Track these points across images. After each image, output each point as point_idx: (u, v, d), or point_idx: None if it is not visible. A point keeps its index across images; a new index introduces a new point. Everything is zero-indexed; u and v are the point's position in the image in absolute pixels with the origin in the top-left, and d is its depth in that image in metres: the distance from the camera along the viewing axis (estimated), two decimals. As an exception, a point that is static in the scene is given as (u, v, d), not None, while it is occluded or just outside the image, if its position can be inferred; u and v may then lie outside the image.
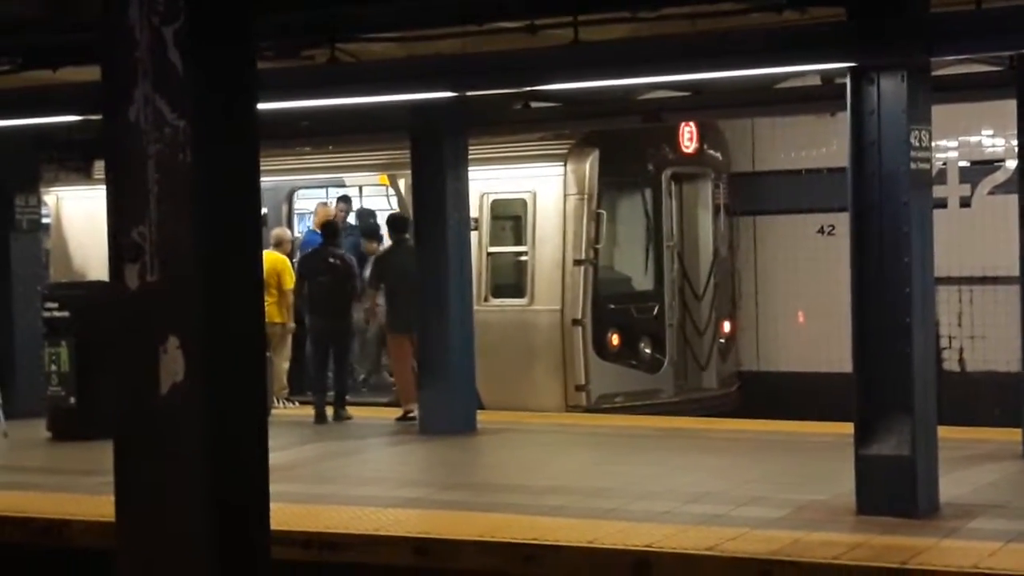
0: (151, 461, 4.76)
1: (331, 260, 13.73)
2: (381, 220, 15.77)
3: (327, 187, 17.10)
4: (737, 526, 8.41)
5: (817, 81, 12.48)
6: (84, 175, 16.74)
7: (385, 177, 15.57)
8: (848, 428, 8.94)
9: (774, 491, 9.46)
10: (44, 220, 16.03)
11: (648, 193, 15.15)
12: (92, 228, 16.04)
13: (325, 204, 16.37)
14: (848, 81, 8.77)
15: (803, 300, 15.44)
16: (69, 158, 16.35)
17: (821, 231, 15.29)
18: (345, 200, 16.67)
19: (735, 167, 15.74)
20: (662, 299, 14.99)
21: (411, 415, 13.22)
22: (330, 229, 14.26)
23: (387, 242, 14.66)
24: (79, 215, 16.72)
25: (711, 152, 15.48)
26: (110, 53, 4.77)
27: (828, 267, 14.68)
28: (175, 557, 4.73)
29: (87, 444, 11.91)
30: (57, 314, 13.01)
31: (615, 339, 14.43)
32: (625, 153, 14.74)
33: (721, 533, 8.22)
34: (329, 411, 13.64)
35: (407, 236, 13.67)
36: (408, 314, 13.17)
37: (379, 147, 15.11)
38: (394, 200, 15.66)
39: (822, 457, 10.77)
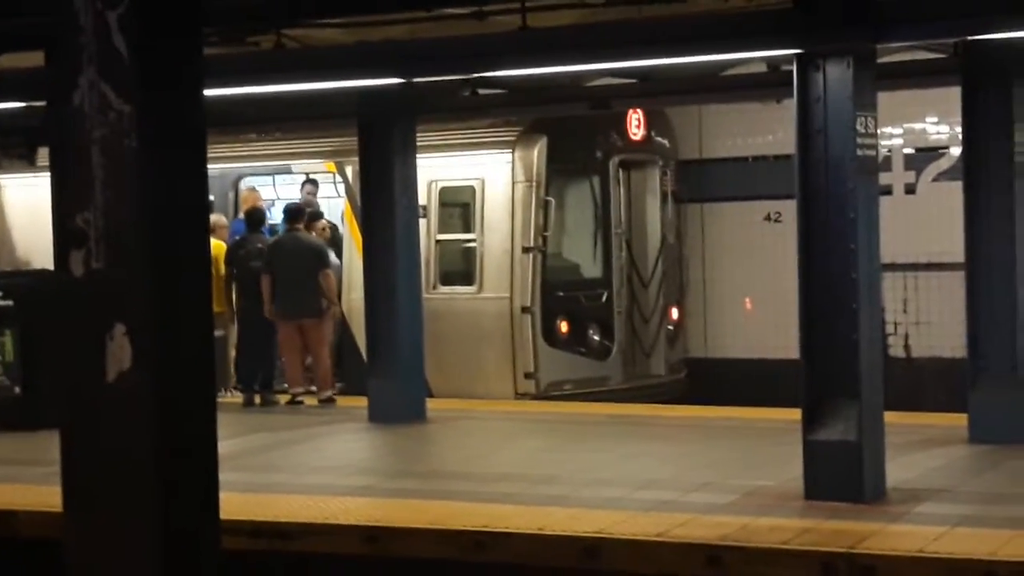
0: (98, 450, 4.71)
1: (260, 247, 13.85)
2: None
3: (274, 174, 16.99)
4: (686, 512, 8.45)
5: (763, 68, 12.53)
6: (27, 162, 16.57)
7: (332, 164, 15.51)
8: (796, 414, 9.00)
9: (722, 477, 9.51)
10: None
11: (596, 180, 15.18)
12: (36, 216, 15.89)
13: (253, 189, 16.18)
14: (794, 68, 8.81)
15: (750, 287, 15.52)
16: (12, 145, 16.17)
17: (768, 218, 15.38)
18: (313, 183, 16.42)
19: (682, 154, 15.79)
20: (610, 286, 15.02)
21: (299, 399, 13.81)
22: (256, 216, 14.37)
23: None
24: (22, 203, 16.55)
25: (658, 139, 15.52)
26: (54, 38, 4.72)
27: (775, 254, 14.77)
28: (122, 547, 4.69)
29: (33, 434, 11.80)
30: (1, 303, 12.88)
31: (564, 326, 14.46)
32: (573, 140, 14.75)
33: (670, 519, 8.25)
34: (258, 398, 13.87)
35: (300, 226, 14.01)
36: (289, 303, 13.60)
37: (326, 134, 15.05)
38: (341, 187, 15.60)
39: (770, 443, 10.84)
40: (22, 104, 11.67)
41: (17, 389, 12.69)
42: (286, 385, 14.08)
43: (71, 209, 4.67)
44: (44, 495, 8.93)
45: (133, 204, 4.61)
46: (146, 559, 4.68)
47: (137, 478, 4.68)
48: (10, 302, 12.82)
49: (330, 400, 13.84)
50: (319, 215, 14.93)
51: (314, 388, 14.06)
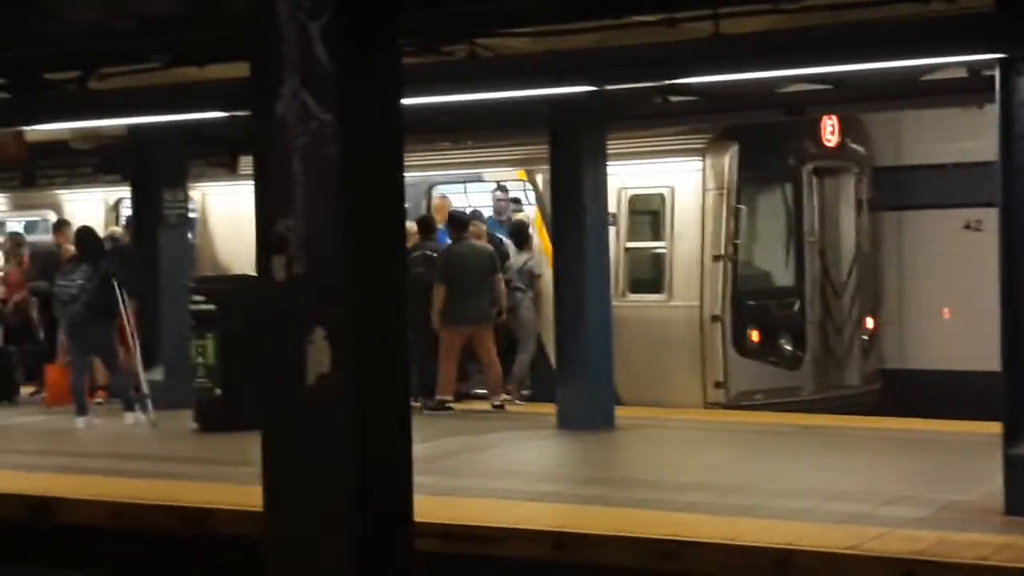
0: (297, 451, 4.83)
1: (425, 253, 13.94)
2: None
3: (465, 182, 17.17)
4: (880, 525, 8.28)
5: (964, 73, 12.22)
6: (229, 170, 17.04)
7: (523, 172, 15.61)
8: (994, 427, 8.75)
9: (917, 490, 9.29)
10: (190, 215, 16.34)
11: (789, 188, 14.99)
12: (236, 222, 16.35)
13: (444, 197, 16.33)
14: (997, 73, 8.57)
15: (948, 297, 15.13)
16: (215, 154, 16.66)
17: (968, 226, 14.97)
18: (503, 190, 16.53)
19: (878, 161, 15.49)
20: (803, 295, 14.82)
21: (447, 404, 13.74)
22: (424, 223, 14.46)
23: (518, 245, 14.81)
24: (224, 210, 17.04)
25: (853, 146, 15.26)
26: (258, 49, 4.85)
27: (975, 263, 14.37)
28: (320, 546, 4.79)
29: (233, 435, 12.14)
30: (203, 307, 13.26)
31: (755, 335, 14.30)
32: (765, 147, 14.59)
33: (863, 532, 8.09)
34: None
35: (467, 234, 14.02)
36: (465, 310, 13.57)
37: (517, 142, 15.16)
38: (531, 195, 15.69)
39: (967, 456, 10.55)
40: (224, 114, 12.00)
41: (218, 391, 13.05)
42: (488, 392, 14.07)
43: (273, 216, 4.79)
44: (244, 494, 9.18)
45: (333, 211, 4.72)
46: (342, 559, 4.78)
47: (334, 478, 4.78)
48: (212, 306, 13.20)
49: (500, 407, 13.83)
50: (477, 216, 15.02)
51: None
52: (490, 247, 14.29)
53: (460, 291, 13.71)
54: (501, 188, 16.13)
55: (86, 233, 14.15)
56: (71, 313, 13.46)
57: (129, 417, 13.57)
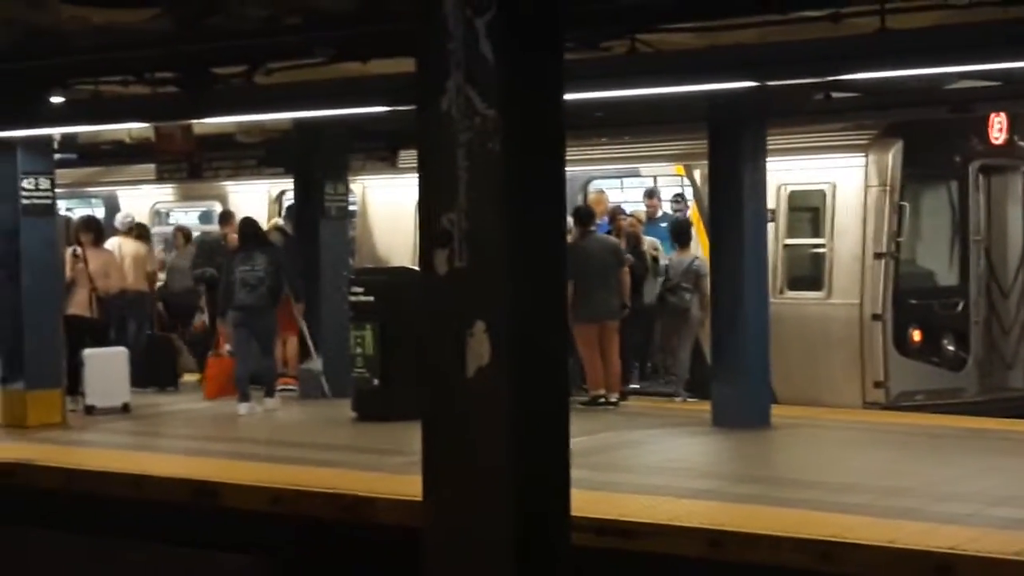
0: (457, 442, 4.88)
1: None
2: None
3: (622, 178, 17.13)
4: (1046, 532, 8.08)
5: None
6: (389, 164, 17.25)
7: (681, 167, 15.54)
8: None
9: (1086, 497, 9.05)
10: (351, 207, 16.59)
11: (954, 186, 14.69)
12: (395, 216, 16.55)
13: (601, 192, 16.27)
14: None
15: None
16: (376, 148, 16.87)
17: None
18: (653, 194, 16.35)
19: (1049, 159, 15.09)
20: (967, 295, 14.51)
21: (600, 400, 13.59)
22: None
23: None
24: (383, 203, 17.25)
25: (1022, 143, 14.88)
26: (424, 45, 4.91)
27: None
28: (479, 536, 4.84)
29: (390, 424, 12.30)
30: (362, 298, 13.46)
31: (916, 335, 14.04)
32: (930, 144, 14.32)
33: (1029, 539, 7.91)
34: None
35: (592, 228, 13.91)
36: (594, 304, 13.45)
37: (674, 137, 15.09)
38: (689, 191, 15.61)
39: None
40: (386, 108, 12.16)
41: (376, 381, 13.24)
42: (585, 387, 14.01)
43: (437, 209, 4.85)
44: (403, 484, 9.30)
45: (495, 206, 4.76)
46: (499, 550, 4.82)
47: (492, 470, 4.82)
48: (371, 298, 13.39)
49: (615, 404, 13.67)
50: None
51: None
52: (615, 240, 14.21)
53: (586, 286, 13.45)
54: (650, 193, 16.08)
55: (249, 225, 14.50)
56: (258, 296, 13.81)
57: (243, 408, 13.84)
